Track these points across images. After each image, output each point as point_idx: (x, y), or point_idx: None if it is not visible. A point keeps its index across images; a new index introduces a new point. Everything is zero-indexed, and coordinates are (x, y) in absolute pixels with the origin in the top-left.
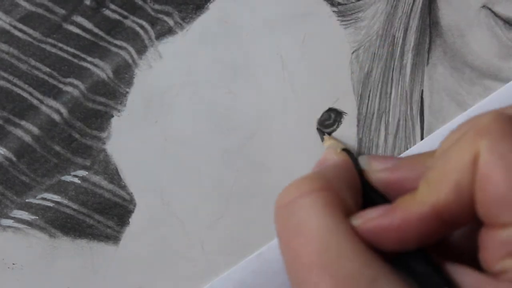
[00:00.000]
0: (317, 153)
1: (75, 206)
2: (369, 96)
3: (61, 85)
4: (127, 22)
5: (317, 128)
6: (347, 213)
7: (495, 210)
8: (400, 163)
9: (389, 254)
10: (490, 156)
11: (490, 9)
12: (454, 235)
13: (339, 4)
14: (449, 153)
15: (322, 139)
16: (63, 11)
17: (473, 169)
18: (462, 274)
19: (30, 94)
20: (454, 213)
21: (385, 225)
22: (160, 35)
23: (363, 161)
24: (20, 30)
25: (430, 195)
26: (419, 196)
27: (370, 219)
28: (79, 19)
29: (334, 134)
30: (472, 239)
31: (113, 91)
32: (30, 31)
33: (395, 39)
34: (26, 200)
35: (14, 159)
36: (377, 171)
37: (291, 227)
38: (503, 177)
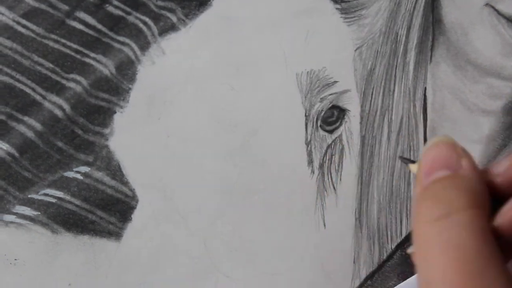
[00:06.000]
0: None
1: (77, 202)
2: (372, 94)
3: (64, 81)
4: (130, 18)
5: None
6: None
7: None
8: None
9: None
10: None
11: (493, 7)
12: None
13: (343, 1)
14: None
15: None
16: (66, 7)
17: None
18: None
19: (33, 89)
20: None
21: None
22: (163, 32)
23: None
24: (23, 26)
25: None
26: None
27: (505, 213)
28: (82, 15)
29: (337, 131)
30: None
31: (116, 87)
32: (33, 27)
33: (398, 37)
34: (29, 196)
35: (16, 154)
36: (498, 175)
37: (439, 241)
38: None
